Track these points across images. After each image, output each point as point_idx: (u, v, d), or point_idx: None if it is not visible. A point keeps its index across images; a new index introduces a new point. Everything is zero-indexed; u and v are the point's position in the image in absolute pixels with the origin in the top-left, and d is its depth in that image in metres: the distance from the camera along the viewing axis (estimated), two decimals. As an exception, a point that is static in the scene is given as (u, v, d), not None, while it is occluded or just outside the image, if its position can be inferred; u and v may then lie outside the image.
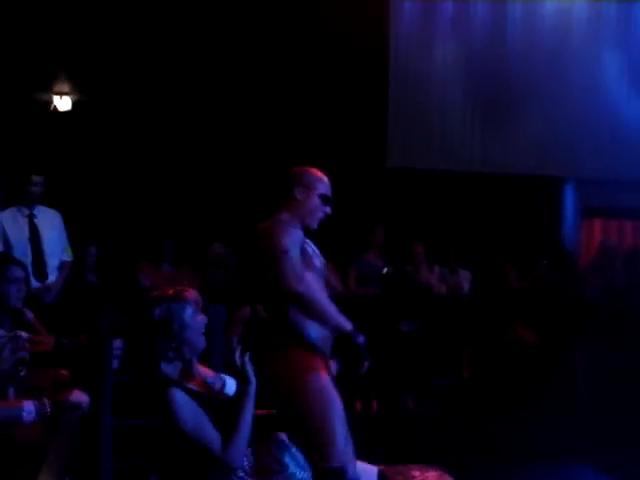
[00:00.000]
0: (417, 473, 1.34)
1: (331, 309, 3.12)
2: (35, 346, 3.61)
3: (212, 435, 2.71)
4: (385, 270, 7.00)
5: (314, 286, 3.09)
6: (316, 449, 2.99)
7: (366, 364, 3.19)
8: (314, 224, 3.37)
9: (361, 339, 3.10)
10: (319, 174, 3.44)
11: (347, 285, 7.32)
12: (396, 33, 8.80)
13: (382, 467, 2.55)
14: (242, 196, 7.50)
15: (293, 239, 3.15)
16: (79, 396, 2.75)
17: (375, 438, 6.05)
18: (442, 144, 9.05)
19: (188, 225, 7.46)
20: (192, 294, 2.89)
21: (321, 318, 3.09)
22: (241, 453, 2.74)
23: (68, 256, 6.00)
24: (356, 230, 7.62)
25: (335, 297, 6.79)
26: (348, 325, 3.11)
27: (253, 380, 2.82)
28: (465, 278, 7.72)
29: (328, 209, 3.39)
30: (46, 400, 2.60)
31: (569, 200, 9.64)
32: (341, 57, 8.14)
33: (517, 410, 6.42)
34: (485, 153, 9.12)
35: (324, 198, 3.37)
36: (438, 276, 7.61)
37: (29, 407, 2.49)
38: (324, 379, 3.12)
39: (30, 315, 4.12)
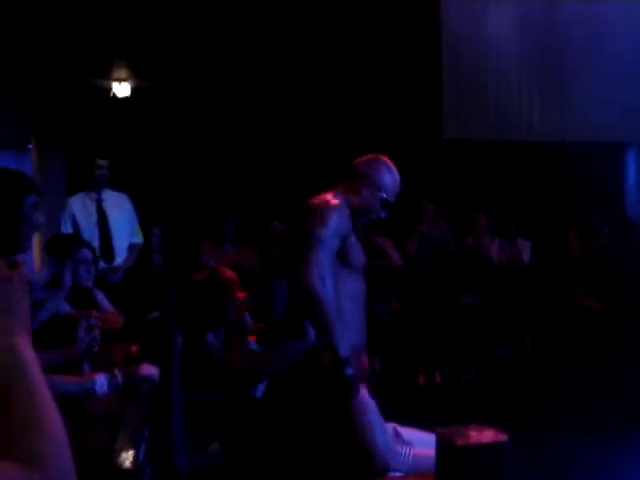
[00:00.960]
0: (474, 433, 1.37)
1: (335, 326, 2.85)
2: (105, 324, 3.77)
3: None
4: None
5: (330, 293, 2.87)
6: (359, 456, 2.93)
7: (353, 395, 2.89)
8: (362, 223, 3.23)
9: (350, 371, 2.84)
10: (393, 175, 3.26)
11: (406, 258, 7.32)
12: (449, 4, 8.71)
13: (439, 429, 2.60)
14: (302, 174, 7.56)
15: (337, 227, 2.96)
16: (149, 369, 2.85)
17: (438, 409, 6.14)
18: (499, 114, 8.95)
19: (249, 204, 7.56)
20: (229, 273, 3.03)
21: (320, 329, 2.89)
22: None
23: (138, 239, 6.17)
24: (414, 203, 7.62)
25: (395, 271, 6.96)
26: (344, 350, 2.84)
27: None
28: (525, 248, 7.66)
29: (383, 215, 3.23)
30: (117, 372, 2.70)
31: (631, 166, 9.46)
32: (394, 28, 8.08)
33: (581, 379, 6.39)
34: (543, 122, 8.99)
35: (385, 203, 3.20)
36: (498, 247, 7.56)
37: (101, 380, 2.59)
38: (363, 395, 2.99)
39: (100, 295, 4.28)
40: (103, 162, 5.98)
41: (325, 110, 7.98)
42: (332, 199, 3.05)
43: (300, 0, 7.01)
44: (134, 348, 3.48)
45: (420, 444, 3.06)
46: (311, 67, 7.86)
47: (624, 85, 8.94)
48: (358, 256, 3.19)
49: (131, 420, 2.69)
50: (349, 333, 2.95)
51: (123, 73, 7.54)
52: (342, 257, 3.03)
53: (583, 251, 7.44)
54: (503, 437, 1.51)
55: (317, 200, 3.06)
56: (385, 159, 3.26)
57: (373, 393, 3.16)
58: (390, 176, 3.21)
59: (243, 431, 3.25)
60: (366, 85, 8.23)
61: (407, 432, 3.16)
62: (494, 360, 6.84)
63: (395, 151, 8.20)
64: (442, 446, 1.50)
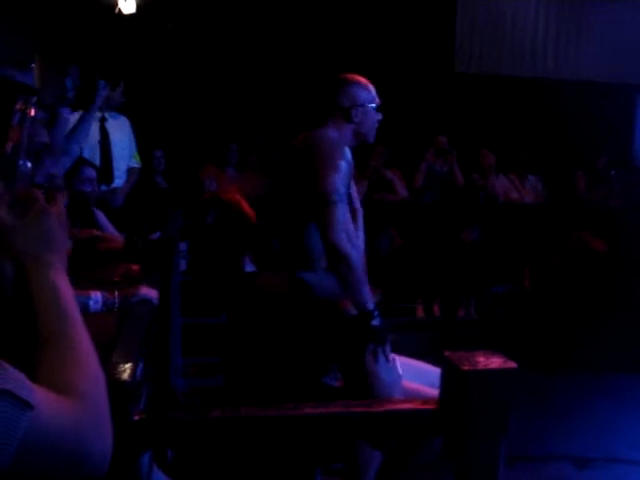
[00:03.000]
0: (482, 359, 1.34)
1: (363, 284, 2.83)
2: (107, 243, 3.73)
3: None
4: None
5: (355, 251, 2.84)
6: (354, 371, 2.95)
7: (385, 350, 2.89)
8: (372, 138, 3.16)
9: (377, 322, 2.86)
10: (367, 84, 3.14)
11: (412, 190, 7.27)
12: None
13: (447, 352, 2.56)
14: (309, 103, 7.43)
15: (346, 172, 2.92)
16: (148, 291, 2.80)
17: (436, 342, 6.17)
18: (513, 49, 8.80)
19: (260, 133, 7.47)
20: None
21: (348, 285, 2.84)
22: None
23: (136, 162, 6.10)
24: (424, 135, 7.52)
25: (400, 204, 6.92)
26: (370, 303, 2.84)
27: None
28: (535, 185, 7.57)
29: (380, 116, 3.14)
30: (115, 292, 2.65)
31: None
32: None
33: (584, 319, 6.40)
34: (558, 59, 8.86)
35: (378, 108, 3.12)
36: (505, 184, 7.48)
37: (96, 297, 2.54)
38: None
39: (101, 215, 4.23)
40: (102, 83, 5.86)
41: (337, 41, 7.83)
42: (335, 140, 2.98)
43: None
44: (135, 267, 3.44)
45: (414, 377, 3.06)
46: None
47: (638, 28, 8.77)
48: (353, 190, 3.14)
49: (128, 339, 2.66)
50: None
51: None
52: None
53: (590, 192, 7.37)
54: (511, 364, 1.47)
55: (321, 143, 2.96)
56: (347, 77, 3.14)
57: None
58: (362, 87, 3.11)
59: (243, 354, 3.24)
60: (379, 16, 8.06)
61: (404, 362, 3.14)
62: (494, 297, 6.84)
63: (407, 84, 8.15)
64: (448, 370, 1.46)
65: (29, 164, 2.40)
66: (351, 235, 2.98)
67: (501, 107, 8.46)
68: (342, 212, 2.86)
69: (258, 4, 7.71)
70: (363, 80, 3.15)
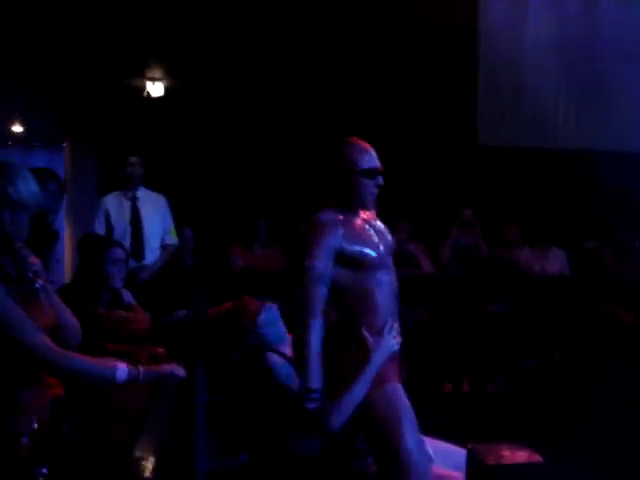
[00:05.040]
0: (507, 452, 1.33)
1: (312, 364, 2.82)
2: (133, 324, 3.76)
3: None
4: None
5: (316, 336, 2.84)
6: (386, 454, 2.88)
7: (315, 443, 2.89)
8: (369, 205, 3.08)
9: (311, 405, 2.80)
10: (359, 145, 3.06)
11: (439, 265, 7.27)
12: (485, 20, 8.64)
13: (471, 444, 2.52)
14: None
15: (328, 249, 2.91)
16: (174, 368, 2.83)
17: (465, 419, 6.07)
18: (534, 121, 8.85)
19: (281, 208, 7.54)
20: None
21: (298, 357, 2.87)
22: (344, 419, 2.81)
23: (172, 239, 6.17)
24: (447, 209, 7.55)
25: (425, 278, 6.91)
26: (313, 383, 2.81)
27: (375, 349, 2.89)
28: (561, 258, 7.54)
29: (379, 181, 3.03)
30: (140, 366, 2.68)
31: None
32: (431, 33, 8.02)
33: (612, 393, 6.29)
34: (580, 130, 8.88)
35: (369, 172, 3.01)
36: (529, 256, 7.46)
37: (122, 368, 2.57)
38: (396, 387, 2.97)
39: (128, 296, 4.27)
40: (134, 159, 6.02)
41: (361, 116, 7.94)
42: (318, 220, 2.99)
43: (333, 4, 6.98)
44: (160, 350, 3.47)
45: (442, 461, 3.01)
46: (350, 71, 7.85)
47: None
48: (382, 242, 3.10)
49: (155, 421, 2.67)
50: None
51: (157, 72, 7.58)
52: (353, 262, 2.97)
53: (616, 264, 7.31)
54: (537, 458, 1.46)
55: (307, 226, 3.02)
56: (344, 140, 3.11)
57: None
58: (353, 147, 3.06)
59: (268, 436, 3.22)
60: (403, 90, 8.18)
61: (432, 444, 3.10)
62: (523, 371, 6.75)
63: (430, 157, 8.22)
64: (473, 463, 1.46)
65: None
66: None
67: (524, 179, 8.50)
68: (314, 292, 2.87)
69: (283, 83, 7.87)
70: (356, 142, 3.09)
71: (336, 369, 2.91)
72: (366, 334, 2.91)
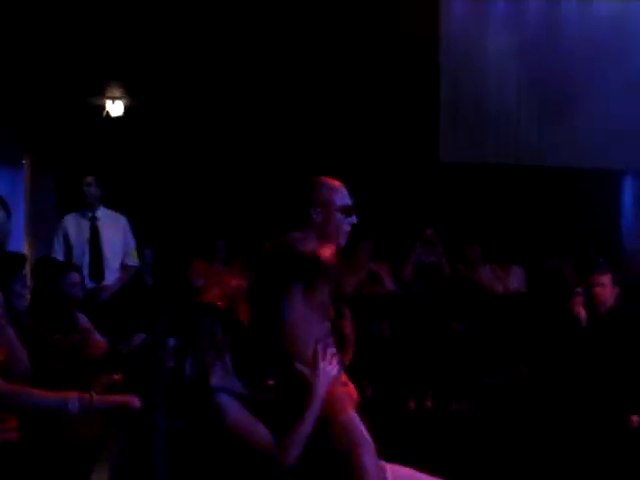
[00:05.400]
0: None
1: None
2: (88, 350, 3.70)
3: (264, 435, 2.77)
4: None
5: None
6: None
7: None
8: (342, 240, 3.10)
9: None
10: (333, 185, 3.11)
11: (401, 283, 7.28)
12: (447, 28, 8.69)
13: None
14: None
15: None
16: (129, 398, 2.78)
17: (429, 436, 6.08)
18: (497, 138, 8.91)
19: (240, 226, 7.51)
20: None
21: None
22: (297, 454, 2.78)
23: (133, 260, 6.14)
24: (410, 227, 7.57)
25: (388, 297, 6.91)
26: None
27: (313, 380, 2.86)
28: (518, 275, 7.60)
29: (353, 219, 3.10)
30: (93, 395, 2.64)
31: (628, 194, 9.43)
32: (392, 49, 8.08)
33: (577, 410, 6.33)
34: (542, 146, 8.96)
35: (345, 210, 3.08)
36: (491, 274, 7.51)
37: (74, 398, 2.53)
38: (349, 418, 2.93)
39: (84, 320, 4.20)
40: (89, 178, 6.00)
41: (320, 133, 7.96)
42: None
43: (294, 21, 6.98)
44: (117, 377, 3.41)
45: None
46: (306, 90, 7.85)
47: (626, 112, 8.91)
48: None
49: (110, 452, 2.63)
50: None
51: (116, 92, 7.54)
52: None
53: (578, 281, 7.36)
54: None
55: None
56: (314, 179, 3.14)
57: (364, 419, 3.10)
58: (328, 186, 3.09)
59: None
60: (362, 108, 8.20)
61: (395, 472, 3.08)
62: (487, 388, 6.77)
63: (392, 175, 8.23)
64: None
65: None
66: None
67: (486, 196, 8.55)
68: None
69: (242, 105, 7.85)
70: (330, 182, 3.12)
71: (282, 406, 2.89)
72: (299, 367, 2.88)
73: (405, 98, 8.34)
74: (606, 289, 5.23)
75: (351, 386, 3.14)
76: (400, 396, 6.78)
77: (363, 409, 3.85)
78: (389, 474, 2.97)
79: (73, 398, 2.54)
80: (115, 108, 7.42)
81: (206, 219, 7.68)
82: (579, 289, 5.53)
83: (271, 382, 3.08)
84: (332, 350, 3.02)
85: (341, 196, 3.08)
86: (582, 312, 5.35)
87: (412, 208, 8.06)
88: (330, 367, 2.95)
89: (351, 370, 5.75)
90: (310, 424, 2.81)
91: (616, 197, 9.30)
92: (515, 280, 7.57)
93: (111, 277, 5.98)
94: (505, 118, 8.84)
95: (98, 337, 4.09)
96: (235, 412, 2.82)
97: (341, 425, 2.87)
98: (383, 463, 2.99)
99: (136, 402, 2.76)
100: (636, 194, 9.36)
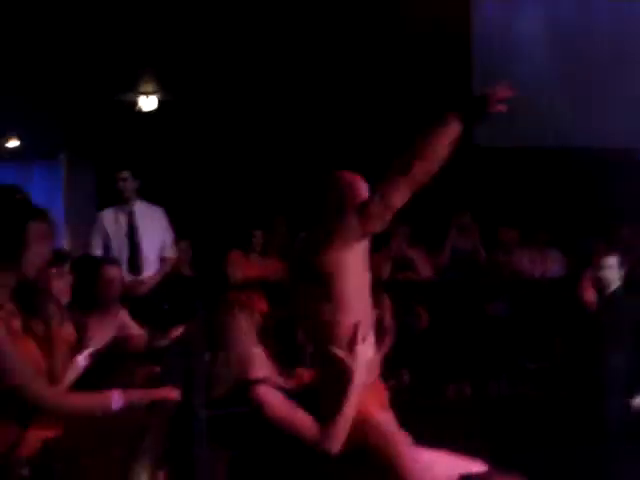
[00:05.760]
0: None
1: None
2: (128, 344, 3.78)
3: (306, 423, 2.81)
4: None
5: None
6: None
7: None
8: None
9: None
10: (352, 181, 3.14)
11: (438, 270, 7.27)
12: (479, 12, 8.64)
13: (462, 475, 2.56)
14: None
15: None
16: (169, 391, 2.84)
17: (469, 423, 6.08)
18: (529, 120, 8.84)
19: (279, 216, 7.55)
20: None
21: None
22: (342, 440, 2.80)
23: (170, 252, 6.19)
24: (446, 212, 7.54)
25: (425, 284, 6.91)
26: None
27: (352, 365, 2.86)
28: (556, 259, 7.54)
29: None
30: (135, 391, 2.70)
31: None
32: (423, 33, 8.03)
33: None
34: (575, 127, 8.87)
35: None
36: (528, 259, 7.46)
37: (116, 396, 2.60)
38: (382, 420, 2.95)
39: (124, 313, 4.28)
40: (125, 173, 6.05)
41: (353, 122, 7.95)
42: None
43: (322, 16, 6.99)
44: (157, 369, 3.47)
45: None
46: (343, 81, 7.85)
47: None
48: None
49: (150, 443, 2.68)
50: None
51: (150, 86, 7.61)
52: None
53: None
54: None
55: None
56: (335, 174, 3.16)
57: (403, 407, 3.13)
58: (347, 186, 3.11)
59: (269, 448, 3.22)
60: (398, 94, 8.18)
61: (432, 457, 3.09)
62: (526, 373, 6.74)
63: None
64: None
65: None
66: None
67: (522, 179, 8.48)
68: None
69: (269, 94, 7.87)
70: (349, 178, 3.13)
71: (322, 394, 2.91)
72: (336, 350, 2.88)
73: (439, 81, 8.30)
74: (611, 270, 5.20)
75: (381, 385, 3.14)
76: (439, 383, 6.78)
77: (401, 396, 3.87)
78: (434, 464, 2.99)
79: (116, 396, 2.61)
80: (149, 102, 7.48)
81: (242, 210, 7.73)
82: (587, 273, 5.44)
83: (305, 372, 3.10)
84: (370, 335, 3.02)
85: (361, 193, 3.07)
86: (590, 297, 5.28)
87: (447, 192, 8.01)
88: (366, 348, 2.93)
89: (389, 358, 5.84)
90: (352, 408, 2.81)
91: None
92: (554, 263, 7.51)
93: (150, 270, 6.04)
94: (538, 101, 8.77)
95: (138, 330, 4.17)
96: (275, 402, 2.85)
97: (373, 427, 2.88)
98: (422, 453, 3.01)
99: (175, 394, 2.81)
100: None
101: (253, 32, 6.86)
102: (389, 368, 6.28)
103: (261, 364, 2.94)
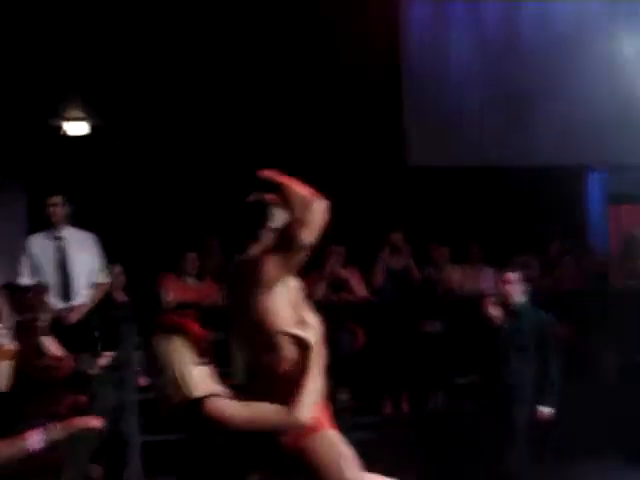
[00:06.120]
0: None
1: None
2: (54, 372, 3.73)
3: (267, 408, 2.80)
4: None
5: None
6: None
7: None
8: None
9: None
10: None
11: (372, 287, 7.32)
12: (407, 31, 8.78)
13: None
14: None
15: None
16: (91, 420, 2.80)
17: (406, 439, 6.14)
18: (461, 140, 9.01)
19: (212, 238, 7.51)
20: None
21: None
22: (310, 411, 2.81)
23: (102, 278, 6.10)
24: (379, 231, 7.61)
25: (360, 304, 6.95)
26: None
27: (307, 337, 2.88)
28: (487, 275, 7.65)
29: None
30: (55, 425, 2.66)
31: (595, 188, 9.55)
32: (355, 56, 8.13)
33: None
34: (505, 146, 9.06)
35: None
36: (460, 275, 7.57)
37: (34, 438, 2.55)
38: (327, 434, 2.98)
39: (50, 343, 4.21)
40: (55, 199, 5.97)
41: (285, 142, 7.98)
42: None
43: (255, 31, 7.03)
44: (82, 398, 3.43)
45: None
46: (270, 97, 7.89)
47: (586, 109, 9.04)
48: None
49: (71, 471, 2.65)
50: None
51: (79, 112, 7.57)
52: None
53: (544, 278, 7.45)
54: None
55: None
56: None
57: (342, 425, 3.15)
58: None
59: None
60: (331, 116, 8.24)
61: None
62: (462, 388, 6.84)
63: (359, 181, 8.27)
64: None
65: None
66: None
67: (452, 198, 8.61)
68: None
69: (201, 116, 7.87)
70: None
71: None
72: (286, 331, 2.91)
73: (372, 103, 8.39)
74: (514, 286, 5.40)
75: (325, 405, 3.17)
76: (376, 400, 6.83)
77: (341, 414, 3.89)
78: None
79: (34, 438, 2.56)
80: (78, 128, 7.44)
81: (176, 233, 7.67)
82: (492, 290, 5.68)
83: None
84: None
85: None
86: (495, 312, 5.46)
87: (380, 212, 8.09)
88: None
89: (327, 377, 5.87)
90: (314, 378, 2.84)
91: (581, 192, 9.41)
92: (485, 280, 7.62)
93: (81, 297, 5.95)
94: (468, 120, 8.95)
95: (65, 358, 4.11)
96: (232, 408, 2.83)
97: (322, 440, 2.91)
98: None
99: (97, 422, 2.77)
100: (601, 189, 9.49)
101: (180, 57, 6.88)
102: (327, 387, 6.34)
103: (203, 380, 2.91)
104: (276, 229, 3.06)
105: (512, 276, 5.47)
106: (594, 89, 8.92)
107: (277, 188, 3.05)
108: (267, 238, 3.07)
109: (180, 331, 2.97)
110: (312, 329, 2.94)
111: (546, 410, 5.18)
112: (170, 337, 2.95)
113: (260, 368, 3.00)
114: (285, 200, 2.99)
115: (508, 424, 5.31)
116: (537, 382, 5.28)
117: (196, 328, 3.10)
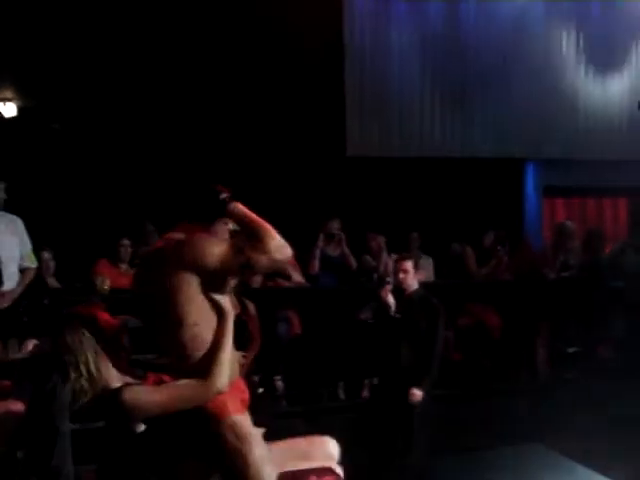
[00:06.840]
0: (314, 478, 1.34)
1: None
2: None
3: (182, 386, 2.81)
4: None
5: None
6: None
7: None
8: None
9: None
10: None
11: (308, 276, 7.31)
12: (350, 26, 8.83)
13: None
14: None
15: None
16: (12, 404, 2.75)
17: (343, 426, 6.14)
18: (402, 131, 9.09)
19: (148, 223, 7.41)
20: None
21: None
22: (225, 380, 2.83)
23: (31, 262, 5.94)
24: (316, 220, 7.61)
25: (297, 290, 6.93)
26: None
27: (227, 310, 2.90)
28: (426, 265, 7.72)
29: None
30: None
31: (530, 181, 9.73)
32: (297, 49, 8.14)
33: (482, 394, 6.53)
34: (445, 138, 9.18)
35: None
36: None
37: None
38: (238, 419, 2.95)
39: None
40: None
41: (226, 133, 7.93)
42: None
43: (201, 20, 6.96)
44: (6, 383, 3.35)
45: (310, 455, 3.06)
46: (211, 85, 7.82)
47: (522, 104, 9.23)
48: None
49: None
50: None
51: (8, 93, 7.39)
52: None
53: (480, 268, 7.55)
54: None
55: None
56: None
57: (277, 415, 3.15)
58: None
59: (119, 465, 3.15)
60: (269, 104, 8.22)
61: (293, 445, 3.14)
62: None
63: (299, 170, 8.28)
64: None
65: None
66: None
67: (391, 188, 8.67)
68: None
69: (138, 100, 7.77)
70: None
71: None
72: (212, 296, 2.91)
73: (314, 94, 8.39)
74: (409, 275, 5.47)
75: (242, 385, 3.14)
76: (313, 387, 6.82)
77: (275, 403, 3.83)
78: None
79: None
80: (7, 109, 7.26)
81: (110, 218, 7.56)
82: (389, 278, 5.74)
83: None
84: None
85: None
86: (390, 299, 5.55)
87: (318, 200, 8.10)
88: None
89: (262, 365, 5.83)
90: (229, 346, 2.86)
91: (518, 184, 9.58)
92: (423, 269, 7.67)
93: (9, 282, 5.80)
94: (408, 113, 9.05)
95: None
96: (149, 395, 2.81)
97: (229, 426, 2.87)
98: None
99: (18, 407, 2.72)
100: (537, 181, 9.67)
101: (115, 38, 6.76)
102: (262, 376, 6.31)
103: (114, 371, 2.87)
104: (234, 231, 3.04)
105: (407, 264, 5.53)
106: (532, 84, 9.10)
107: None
108: (222, 232, 3.07)
109: (89, 322, 2.93)
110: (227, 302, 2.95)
111: (418, 392, 5.22)
112: (76, 328, 2.91)
113: (174, 347, 2.95)
114: (239, 222, 3.00)
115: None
116: (419, 365, 5.32)
117: (105, 317, 3.05)
